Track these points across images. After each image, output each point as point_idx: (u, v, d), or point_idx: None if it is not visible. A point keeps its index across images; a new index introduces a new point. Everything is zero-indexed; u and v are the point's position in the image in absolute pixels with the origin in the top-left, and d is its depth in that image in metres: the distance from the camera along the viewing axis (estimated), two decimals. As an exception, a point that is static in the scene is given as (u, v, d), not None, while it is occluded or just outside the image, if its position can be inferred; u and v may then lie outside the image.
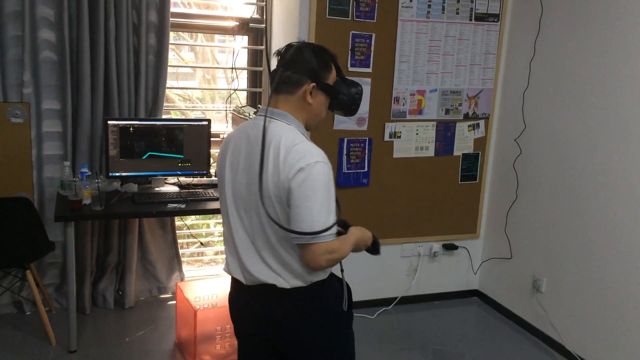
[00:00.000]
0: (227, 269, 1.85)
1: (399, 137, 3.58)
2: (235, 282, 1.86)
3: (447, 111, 3.67)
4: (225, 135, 1.90)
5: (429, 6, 3.46)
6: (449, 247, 3.89)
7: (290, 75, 1.72)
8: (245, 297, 1.82)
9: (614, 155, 2.97)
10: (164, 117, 3.53)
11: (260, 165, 1.65)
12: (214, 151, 3.66)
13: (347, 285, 1.88)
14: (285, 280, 1.72)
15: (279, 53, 1.77)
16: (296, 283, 1.73)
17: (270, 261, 1.72)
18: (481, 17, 3.60)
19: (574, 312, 3.24)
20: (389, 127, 3.54)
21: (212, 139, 3.45)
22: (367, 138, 3.48)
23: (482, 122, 3.78)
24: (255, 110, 3.31)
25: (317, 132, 3.39)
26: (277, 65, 1.75)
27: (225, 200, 1.79)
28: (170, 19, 3.35)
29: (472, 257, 4.00)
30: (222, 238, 4.21)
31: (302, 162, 1.61)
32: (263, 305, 1.77)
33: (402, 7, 3.40)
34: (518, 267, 3.68)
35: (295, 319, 1.76)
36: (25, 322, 3.30)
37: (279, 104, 1.74)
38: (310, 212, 1.61)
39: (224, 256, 4.31)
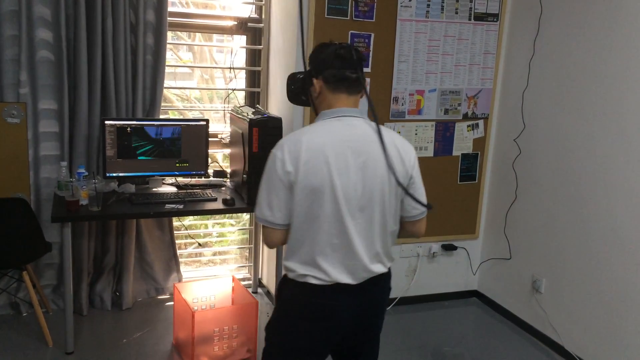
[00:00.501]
0: (325, 278, 1.80)
1: (398, 137, 3.56)
2: (332, 289, 1.82)
3: (446, 111, 3.66)
4: (282, 142, 1.81)
5: (428, 6, 3.45)
6: (448, 248, 3.88)
7: (361, 76, 1.85)
8: (351, 299, 1.85)
9: (614, 155, 2.96)
10: (161, 117, 3.51)
11: (387, 159, 1.81)
12: (212, 151, 3.65)
13: None
14: (386, 266, 1.91)
15: (341, 55, 1.81)
16: (390, 265, 1.94)
17: (380, 252, 1.87)
18: (480, 17, 3.59)
19: (574, 313, 3.23)
20: (388, 127, 3.53)
21: (210, 139, 3.44)
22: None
23: (481, 122, 3.77)
24: (253, 110, 3.29)
25: (316, 132, 3.38)
26: (349, 66, 1.81)
27: (331, 206, 1.76)
28: (168, 19, 3.33)
29: (471, 258, 3.99)
30: (220, 239, 4.21)
31: (412, 150, 1.90)
32: (374, 296, 1.92)
33: (401, 6, 3.39)
34: (517, 268, 3.67)
35: (387, 296, 2.01)
36: (22, 324, 3.28)
37: (357, 103, 1.89)
38: (424, 190, 1.95)
39: (222, 257, 4.29)
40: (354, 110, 1.85)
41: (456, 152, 3.74)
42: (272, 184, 1.78)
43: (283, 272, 1.92)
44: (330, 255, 1.79)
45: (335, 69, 1.81)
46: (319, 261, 1.80)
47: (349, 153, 1.76)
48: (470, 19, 3.57)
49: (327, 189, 1.74)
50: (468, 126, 3.74)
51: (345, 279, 1.81)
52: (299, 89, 1.94)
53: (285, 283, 1.91)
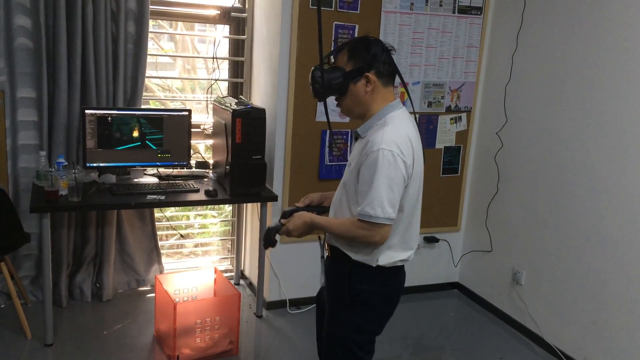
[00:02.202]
0: (409, 256, 2.03)
1: (382, 129, 3.56)
2: (404, 266, 2.07)
3: (429, 104, 3.67)
4: (387, 138, 1.91)
5: (413, -2, 3.44)
6: (430, 240, 3.90)
7: None
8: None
9: (595, 149, 3.00)
10: (143, 107, 3.47)
11: (422, 146, 2.00)
12: (194, 142, 3.62)
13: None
14: None
15: (389, 49, 1.98)
16: None
17: None
18: (464, 10, 3.60)
19: (553, 305, 3.27)
20: (372, 120, 3.52)
21: (192, 129, 3.40)
22: (349, 130, 3.46)
23: (464, 116, 3.78)
24: (236, 100, 3.27)
25: (301, 124, 3.37)
26: (393, 60, 1.96)
27: (418, 191, 1.99)
28: (150, 7, 3.29)
29: (452, 250, 4.01)
30: (202, 230, 4.18)
31: None
32: None
33: (386, -2, 3.38)
34: (498, 260, 3.70)
35: None
36: (0, 315, 3.23)
37: None
38: None
39: (204, 248, 4.26)
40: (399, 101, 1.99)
41: (439, 144, 3.75)
42: (395, 181, 1.83)
43: (353, 261, 1.98)
44: (416, 235, 2.03)
45: (387, 64, 1.92)
46: (411, 243, 2.01)
47: (417, 139, 1.96)
48: (454, 12, 3.58)
49: (421, 173, 1.96)
50: (451, 119, 3.76)
51: (412, 254, 2.03)
52: (339, 85, 1.92)
53: (367, 272, 1.98)
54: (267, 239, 2.08)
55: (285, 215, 2.11)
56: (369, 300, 2.00)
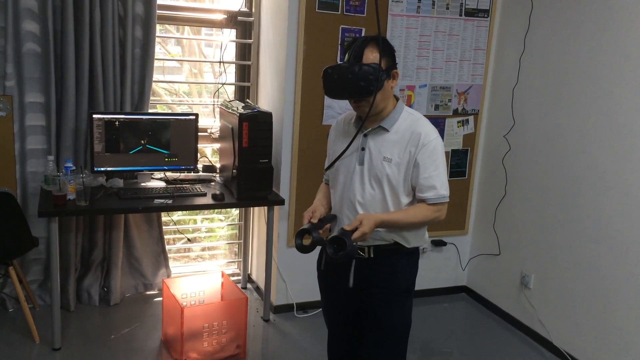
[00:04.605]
0: None
1: (388, 132, 3.55)
2: None
3: (436, 107, 3.66)
4: (429, 128, 2.12)
5: (419, 1, 3.44)
6: (438, 244, 3.89)
7: None
8: None
9: (603, 151, 2.98)
10: (150, 111, 3.48)
11: None
12: (201, 146, 3.62)
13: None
14: None
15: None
16: None
17: None
18: (471, 13, 3.59)
19: (562, 308, 3.25)
20: (379, 123, 3.52)
21: (199, 133, 3.41)
22: (356, 133, 3.45)
23: (471, 118, 3.77)
24: (243, 104, 3.27)
25: (308, 127, 3.38)
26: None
27: None
28: (157, 11, 3.30)
29: (460, 254, 4.00)
30: (209, 234, 4.19)
31: None
32: None
33: (392, 1, 3.38)
34: (506, 264, 3.68)
35: None
36: (8, 319, 3.24)
37: None
38: None
39: (211, 252, 4.26)
40: None
41: (446, 147, 3.74)
42: (445, 163, 2.04)
43: (405, 250, 2.10)
44: None
45: None
46: None
47: None
48: (461, 15, 3.57)
49: None
50: (458, 122, 3.75)
51: None
52: (383, 81, 1.96)
53: (414, 257, 2.17)
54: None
55: (319, 226, 1.99)
56: (415, 282, 2.20)
